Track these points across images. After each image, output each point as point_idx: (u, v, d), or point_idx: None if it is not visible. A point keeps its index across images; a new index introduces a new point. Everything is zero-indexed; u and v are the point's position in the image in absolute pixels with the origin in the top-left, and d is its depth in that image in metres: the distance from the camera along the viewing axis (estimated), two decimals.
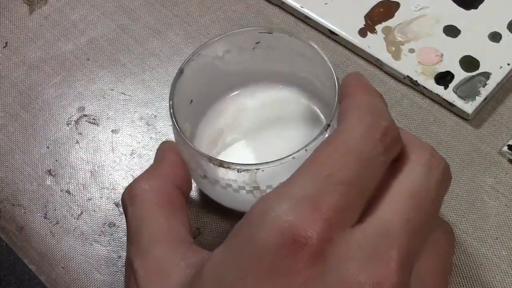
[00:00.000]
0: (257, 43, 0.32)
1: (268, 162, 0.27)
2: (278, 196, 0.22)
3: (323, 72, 0.30)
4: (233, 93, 0.35)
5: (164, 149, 0.30)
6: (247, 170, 0.27)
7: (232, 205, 0.31)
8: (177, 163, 0.29)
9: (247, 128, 0.34)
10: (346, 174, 0.22)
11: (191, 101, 0.33)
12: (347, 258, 0.21)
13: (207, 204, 0.35)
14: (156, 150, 0.30)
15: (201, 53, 0.31)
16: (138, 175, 0.28)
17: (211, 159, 0.27)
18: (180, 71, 0.31)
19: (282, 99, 0.34)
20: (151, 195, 0.27)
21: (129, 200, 0.27)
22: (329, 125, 0.28)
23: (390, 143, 0.23)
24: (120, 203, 0.36)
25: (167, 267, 0.24)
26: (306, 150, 0.27)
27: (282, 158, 0.27)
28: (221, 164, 0.27)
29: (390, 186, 0.23)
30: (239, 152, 0.33)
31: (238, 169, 0.27)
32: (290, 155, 0.27)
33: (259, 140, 0.33)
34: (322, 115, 0.33)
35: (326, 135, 0.27)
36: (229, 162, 0.27)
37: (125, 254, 0.34)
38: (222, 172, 0.28)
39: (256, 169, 0.27)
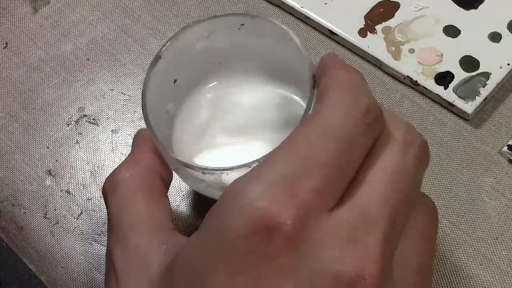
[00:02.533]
0: (242, 24, 0.31)
1: (233, 167, 0.25)
2: (251, 180, 0.21)
3: (300, 60, 0.28)
4: (217, 82, 0.34)
5: (141, 137, 0.29)
6: (212, 173, 0.26)
7: (206, 193, 0.30)
8: (156, 151, 0.28)
9: (231, 114, 0.33)
10: (324, 156, 0.21)
11: (175, 80, 0.32)
12: (324, 244, 0.20)
13: (206, 204, 0.35)
14: (132, 139, 0.29)
15: (179, 38, 0.30)
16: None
17: (177, 160, 0.27)
18: (157, 57, 0.30)
19: (265, 90, 0.33)
20: (132, 183, 0.26)
21: (109, 189, 0.26)
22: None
23: (372, 122, 0.22)
24: None
25: (146, 255, 0.23)
26: None
27: (248, 163, 0.25)
28: (185, 165, 0.26)
29: (368, 167, 0.22)
30: (221, 141, 0.32)
31: (202, 172, 0.26)
32: (256, 160, 0.25)
33: (243, 129, 0.32)
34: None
35: None
36: (194, 165, 0.26)
37: None
38: (189, 171, 0.27)
39: (221, 173, 0.26)
